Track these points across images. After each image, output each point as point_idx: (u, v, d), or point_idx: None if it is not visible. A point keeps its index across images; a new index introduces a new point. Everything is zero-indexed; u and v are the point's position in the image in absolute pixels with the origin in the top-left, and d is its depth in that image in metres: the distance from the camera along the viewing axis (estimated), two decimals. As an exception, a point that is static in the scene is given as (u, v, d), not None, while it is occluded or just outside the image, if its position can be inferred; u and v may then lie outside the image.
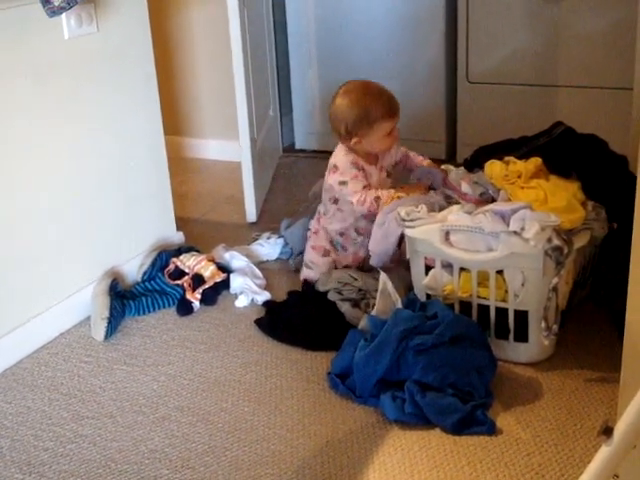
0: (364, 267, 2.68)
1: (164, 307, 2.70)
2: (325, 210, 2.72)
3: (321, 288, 2.60)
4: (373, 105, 2.52)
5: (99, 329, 2.51)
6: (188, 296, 2.68)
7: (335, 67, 4.03)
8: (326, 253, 2.74)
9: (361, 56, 3.95)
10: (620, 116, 3.20)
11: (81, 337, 2.56)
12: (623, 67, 3.32)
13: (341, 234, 2.71)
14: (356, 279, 2.55)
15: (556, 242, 2.10)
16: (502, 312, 2.26)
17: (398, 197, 2.44)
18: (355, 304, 2.51)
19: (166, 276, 2.76)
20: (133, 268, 2.82)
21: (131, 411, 2.18)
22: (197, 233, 3.25)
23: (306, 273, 2.76)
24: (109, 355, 2.46)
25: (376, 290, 2.41)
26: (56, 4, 2.18)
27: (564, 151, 2.47)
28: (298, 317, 2.51)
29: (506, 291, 2.22)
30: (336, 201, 2.66)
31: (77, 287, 2.63)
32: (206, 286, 2.71)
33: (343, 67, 4.01)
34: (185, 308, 2.66)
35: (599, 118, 3.42)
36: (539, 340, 2.22)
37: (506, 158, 2.38)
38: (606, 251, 2.43)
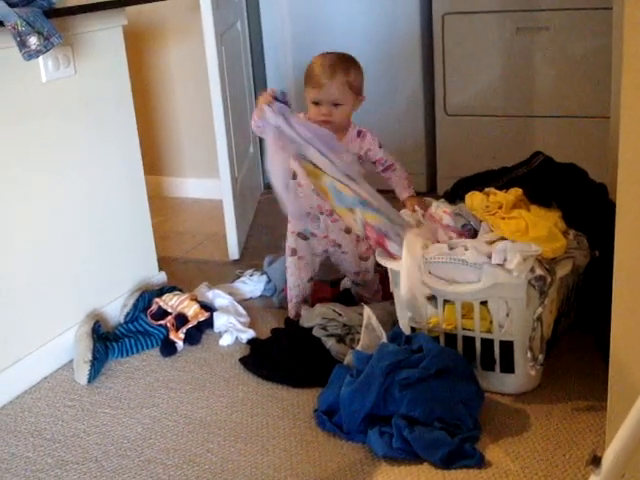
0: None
1: (147, 348, 2.67)
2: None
3: (305, 324, 2.59)
4: (309, 68, 2.55)
5: (82, 372, 2.49)
6: (172, 336, 2.66)
7: (314, 103, 4.05)
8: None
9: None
10: (598, 145, 3.23)
11: (64, 381, 2.53)
12: (599, 96, 3.35)
13: None
14: (340, 314, 2.54)
15: (539, 272, 2.11)
16: (487, 343, 2.25)
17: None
18: (340, 339, 2.50)
19: (149, 317, 2.74)
20: (115, 310, 2.80)
21: (116, 455, 2.15)
22: (179, 272, 3.24)
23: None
24: (93, 399, 2.43)
25: (361, 325, 2.40)
26: (33, 47, 2.17)
27: (544, 181, 2.48)
28: (283, 354, 2.50)
29: (491, 322, 2.22)
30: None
31: (59, 331, 2.61)
32: (189, 325, 2.69)
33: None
34: (169, 348, 2.64)
35: (577, 147, 3.45)
36: (525, 370, 2.22)
37: (486, 189, 2.39)
38: (589, 279, 2.44)
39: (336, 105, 2.51)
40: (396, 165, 2.63)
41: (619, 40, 2.20)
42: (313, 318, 2.58)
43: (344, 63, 2.55)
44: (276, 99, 2.34)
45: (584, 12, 3.47)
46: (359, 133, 2.59)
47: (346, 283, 2.86)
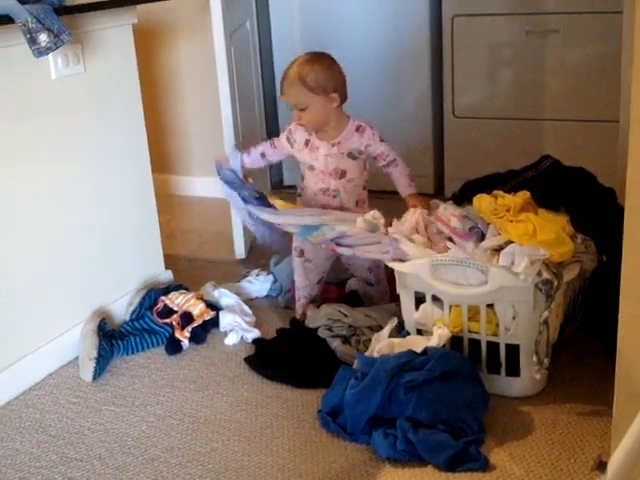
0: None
1: (153, 346, 2.67)
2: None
3: (311, 324, 2.58)
4: None
5: (87, 370, 2.49)
6: (177, 334, 2.66)
7: (322, 104, 4.05)
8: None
9: (348, 92, 3.97)
10: (607, 149, 3.22)
11: (69, 378, 2.53)
12: (608, 99, 3.34)
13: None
14: (346, 315, 2.54)
15: (546, 275, 2.10)
16: (493, 346, 2.25)
17: None
18: (346, 340, 2.49)
19: (155, 315, 2.74)
20: (121, 307, 2.80)
21: (120, 452, 2.15)
22: (186, 271, 3.24)
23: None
24: (97, 396, 2.43)
25: (367, 326, 2.40)
26: (43, 44, 2.18)
27: (552, 184, 2.48)
28: (288, 354, 2.49)
29: (497, 325, 2.22)
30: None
31: (65, 327, 2.61)
32: (195, 324, 2.69)
33: (330, 103, 4.02)
34: (174, 347, 2.64)
35: (586, 151, 3.44)
36: (531, 374, 2.21)
37: (494, 192, 2.38)
38: (596, 283, 2.43)
39: (302, 109, 2.54)
40: (398, 161, 2.61)
41: (629, 44, 2.20)
42: (318, 319, 2.57)
43: (302, 65, 2.55)
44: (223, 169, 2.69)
45: (594, 15, 3.46)
46: (358, 128, 2.59)
47: (352, 284, 2.85)
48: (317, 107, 2.53)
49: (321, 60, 2.56)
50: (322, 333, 2.53)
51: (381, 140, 2.59)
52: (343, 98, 2.58)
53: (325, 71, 2.54)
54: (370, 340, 2.43)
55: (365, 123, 2.60)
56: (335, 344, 2.48)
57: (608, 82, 3.38)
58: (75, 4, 2.39)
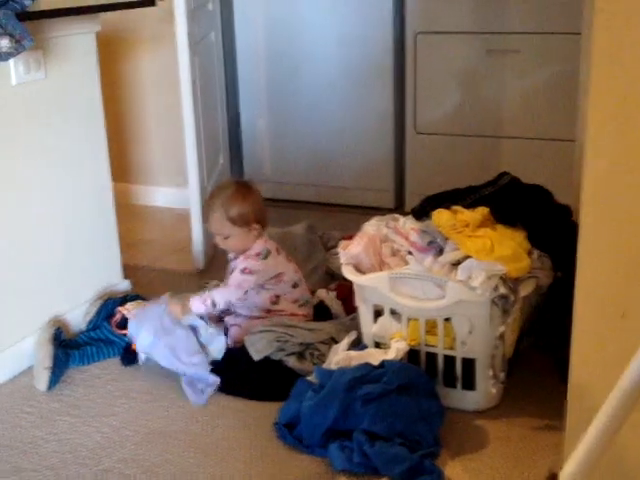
0: None
1: (109, 356, 2.65)
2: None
3: (256, 357, 2.48)
4: None
5: (42, 379, 2.46)
6: (134, 347, 2.62)
7: (285, 116, 4.07)
8: None
9: (311, 106, 3.99)
10: (563, 167, 3.26)
11: (23, 387, 2.50)
12: (566, 119, 3.40)
13: None
14: (292, 335, 2.51)
15: (502, 290, 2.12)
16: (450, 360, 2.26)
17: None
18: (300, 355, 2.47)
19: (113, 326, 2.71)
20: (78, 316, 2.77)
21: (74, 463, 2.12)
22: (145, 281, 3.22)
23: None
24: (52, 406, 2.40)
25: (317, 341, 2.41)
26: (4, 49, 2.16)
27: (510, 201, 2.50)
28: (244, 366, 2.48)
29: (454, 339, 2.23)
30: None
31: (20, 336, 2.58)
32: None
33: (293, 116, 4.05)
34: (129, 357, 2.61)
35: (543, 169, 3.48)
36: (486, 388, 2.23)
37: (453, 207, 2.40)
38: (551, 299, 2.46)
39: (225, 237, 2.64)
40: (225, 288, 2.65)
41: (586, 64, 2.23)
42: (264, 349, 2.48)
43: (228, 198, 2.62)
44: None
45: (553, 36, 3.52)
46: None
47: None
48: (239, 237, 2.63)
49: (244, 193, 2.65)
50: (275, 356, 2.46)
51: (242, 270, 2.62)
52: (264, 226, 2.67)
53: (248, 205, 2.63)
54: (324, 354, 2.43)
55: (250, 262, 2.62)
56: (291, 362, 2.45)
57: (566, 102, 3.44)
58: (38, 10, 2.38)
